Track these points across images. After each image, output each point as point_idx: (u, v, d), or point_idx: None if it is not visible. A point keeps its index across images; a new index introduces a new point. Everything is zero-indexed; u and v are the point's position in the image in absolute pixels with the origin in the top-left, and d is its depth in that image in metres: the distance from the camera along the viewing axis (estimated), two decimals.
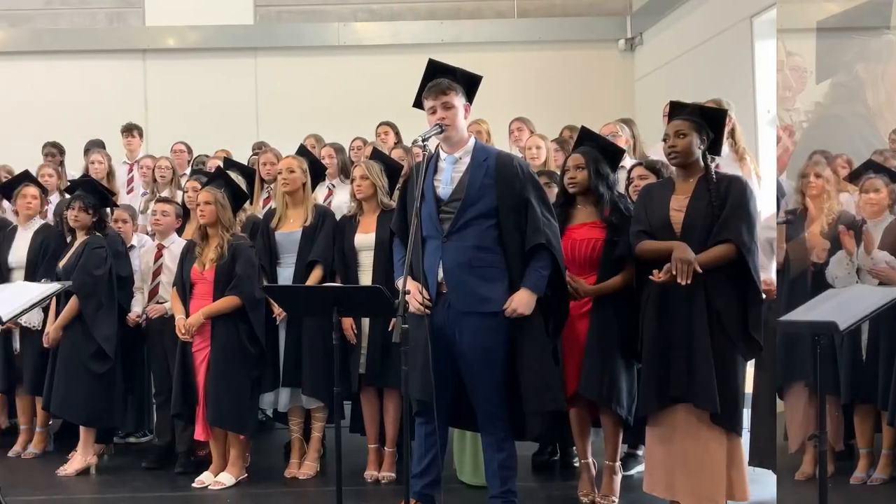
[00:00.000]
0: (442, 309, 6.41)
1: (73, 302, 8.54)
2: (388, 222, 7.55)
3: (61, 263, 8.69)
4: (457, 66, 6.71)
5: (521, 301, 6.34)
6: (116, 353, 8.61)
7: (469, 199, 6.41)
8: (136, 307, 8.82)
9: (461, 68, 6.70)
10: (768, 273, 7.22)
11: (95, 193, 8.85)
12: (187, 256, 8.22)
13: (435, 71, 6.71)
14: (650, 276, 6.39)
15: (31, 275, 8.98)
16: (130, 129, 12.48)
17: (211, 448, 8.21)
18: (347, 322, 7.84)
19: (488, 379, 6.39)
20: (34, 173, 10.16)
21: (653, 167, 7.47)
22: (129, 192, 11.63)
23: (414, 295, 6.33)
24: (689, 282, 6.17)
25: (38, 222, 9.41)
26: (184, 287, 8.17)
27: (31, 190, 9.42)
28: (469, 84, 6.68)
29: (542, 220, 6.39)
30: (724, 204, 6.33)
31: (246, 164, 10.54)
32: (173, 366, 8.41)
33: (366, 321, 7.94)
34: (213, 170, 9.75)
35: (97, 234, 8.71)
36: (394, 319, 5.75)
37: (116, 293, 8.68)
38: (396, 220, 6.87)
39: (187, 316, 8.04)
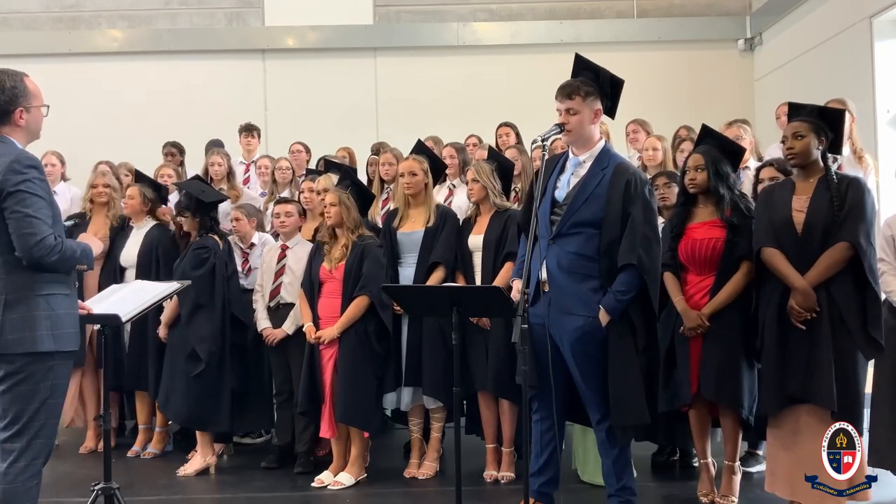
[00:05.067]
0: (543, 306, 6.39)
1: (173, 302, 8.62)
2: (497, 224, 7.84)
3: (175, 264, 8.82)
4: (601, 67, 6.56)
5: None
6: (222, 356, 8.62)
7: (576, 206, 6.39)
8: (262, 320, 8.77)
9: (606, 70, 6.55)
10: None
11: (186, 197, 8.94)
12: (316, 256, 8.27)
13: (581, 67, 6.62)
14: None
15: (143, 275, 9.02)
16: (249, 129, 12.57)
17: (332, 447, 8.23)
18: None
19: (590, 378, 6.38)
20: (153, 173, 10.27)
21: (783, 167, 7.35)
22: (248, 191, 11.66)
23: (514, 294, 6.40)
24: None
25: (150, 222, 9.46)
26: (311, 286, 8.24)
27: (132, 191, 9.48)
28: (610, 87, 6.55)
29: (640, 238, 6.28)
30: (844, 204, 6.33)
31: (366, 164, 10.61)
32: (293, 366, 8.50)
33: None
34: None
35: (208, 235, 8.77)
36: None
37: (219, 295, 8.66)
38: (521, 214, 6.89)
39: (314, 316, 8.15)
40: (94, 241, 5.90)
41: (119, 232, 9.48)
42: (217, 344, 8.56)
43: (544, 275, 6.41)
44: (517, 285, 6.44)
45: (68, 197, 11.06)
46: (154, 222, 9.50)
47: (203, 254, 8.62)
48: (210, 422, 8.65)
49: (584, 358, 6.32)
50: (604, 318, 6.26)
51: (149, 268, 9.13)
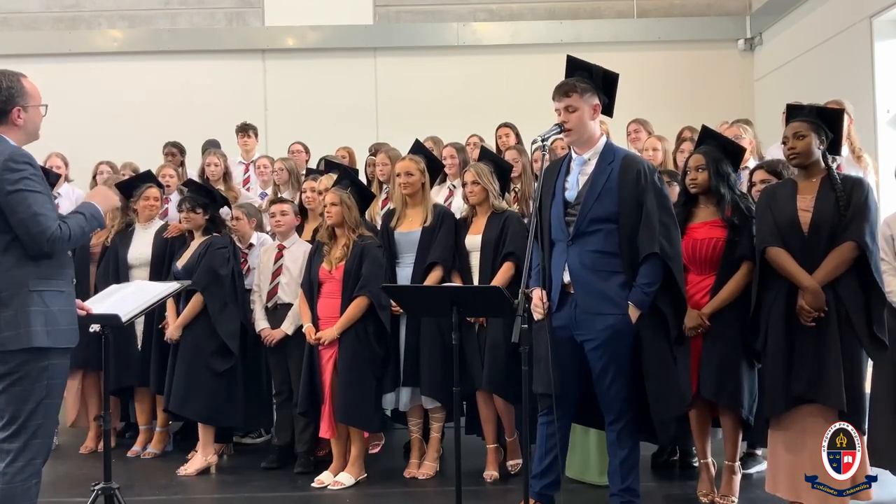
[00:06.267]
0: (569, 309, 6.38)
1: (195, 300, 8.60)
2: (495, 224, 7.83)
3: (180, 263, 8.78)
4: (594, 64, 6.57)
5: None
6: (238, 351, 8.64)
7: (590, 204, 6.35)
8: (260, 320, 8.79)
9: (598, 66, 6.56)
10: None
11: (202, 193, 8.98)
12: (315, 256, 8.28)
13: (573, 67, 6.61)
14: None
15: (156, 273, 9.08)
16: (245, 129, 12.55)
17: (332, 447, 8.22)
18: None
19: (615, 378, 6.34)
20: (155, 172, 10.20)
21: (774, 169, 7.36)
22: (246, 192, 11.65)
23: (535, 302, 6.33)
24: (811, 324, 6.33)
25: (157, 223, 9.48)
26: (311, 287, 8.24)
27: (154, 192, 9.47)
28: (606, 82, 6.55)
29: (658, 227, 6.27)
30: (849, 204, 6.31)
31: (364, 164, 10.61)
32: (293, 366, 8.51)
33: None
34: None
35: (217, 234, 8.79)
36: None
37: (239, 292, 8.73)
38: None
39: (314, 316, 8.15)
40: (99, 192, 5.91)
41: (121, 232, 9.45)
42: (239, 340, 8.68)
43: (567, 277, 6.38)
44: (537, 293, 6.38)
45: (73, 198, 11.02)
46: (161, 222, 9.55)
47: (226, 253, 8.69)
48: (228, 417, 8.75)
49: (612, 357, 6.30)
50: (634, 313, 6.25)
51: (161, 266, 9.15)
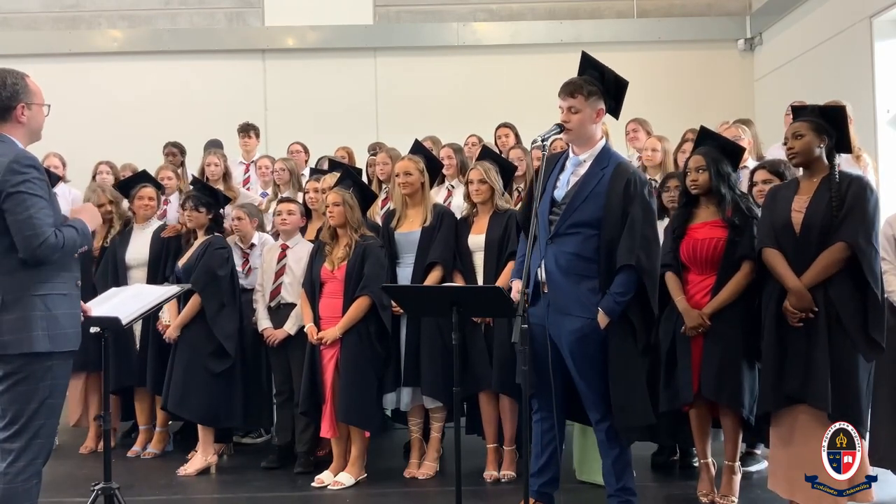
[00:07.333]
0: (543, 307, 6.37)
1: (193, 301, 8.59)
2: (498, 224, 7.82)
3: (181, 262, 8.77)
4: (607, 67, 6.53)
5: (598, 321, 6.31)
6: (236, 352, 8.63)
7: (575, 206, 6.36)
8: (263, 320, 8.78)
9: (611, 70, 6.52)
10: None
11: (206, 192, 8.99)
12: (317, 256, 8.27)
13: (587, 66, 6.59)
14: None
15: (153, 274, 9.08)
16: (247, 130, 12.55)
17: (332, 447, 8.22)
18: None
19: (592, 381, 6.37)
20: (154, 173, 10.21)
21: (775, 169, 7.36)
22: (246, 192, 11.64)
23: (513, 294, 6.38)
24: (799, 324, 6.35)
25: (155, 223, 9.47)
26: (312, 287, 8.23)
27: (149, 191, 9.45)
28: (614, 87, 6.51)
29: (639, 239, 6.26)
30: (843, 204, 6.28)
31: (365, 164, 10.61)
32: (294, 366, 8.51)
33: None
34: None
35: (217, 234, 8.79)
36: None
37: (237, 293, 8.73)
38: (521, 213, 6.87)
39: (315, 317, 8.14)
40: (87, 210, 5.86)
41: (119, 233, 9.44)
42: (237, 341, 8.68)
43: (543, 275, 6.38)
44: (517, 285, 6.40)
45: (69, 199, 11.02)
46: (160, 222, 9.54)
47: (224, 253, 8.71)
48: (226, 417, 8.74)
49: (582, 359, 6.30)
50: (602, 320, 6.23)
51: (159, 267, 9.14)
